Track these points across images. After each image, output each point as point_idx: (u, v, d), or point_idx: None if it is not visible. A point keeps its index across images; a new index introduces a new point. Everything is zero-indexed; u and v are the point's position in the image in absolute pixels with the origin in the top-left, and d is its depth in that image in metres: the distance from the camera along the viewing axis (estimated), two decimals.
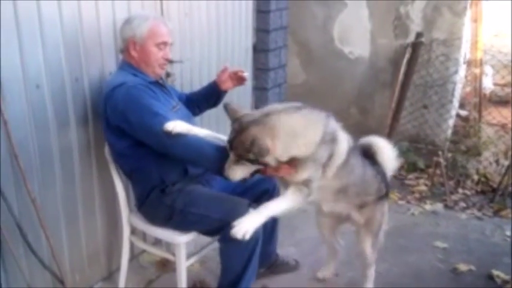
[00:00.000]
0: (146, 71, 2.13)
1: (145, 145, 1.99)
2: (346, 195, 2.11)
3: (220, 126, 3.35)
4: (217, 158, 1.85)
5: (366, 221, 2.26)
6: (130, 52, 2.11)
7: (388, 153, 2.26)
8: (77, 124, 2.20)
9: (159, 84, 2.18)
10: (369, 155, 2.22)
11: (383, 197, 2.28)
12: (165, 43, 2.13)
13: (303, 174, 1.84)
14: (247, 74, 2.46)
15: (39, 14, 1.94)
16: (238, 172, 1.79)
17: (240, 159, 1.75)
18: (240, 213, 1.87)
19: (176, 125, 1.86)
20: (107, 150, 2.20)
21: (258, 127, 1.72)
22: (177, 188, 2.09)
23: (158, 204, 2.10)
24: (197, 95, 2.52)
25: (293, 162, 1.81)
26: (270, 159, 1.74)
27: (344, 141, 1.94)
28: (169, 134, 1.84)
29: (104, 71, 2.28)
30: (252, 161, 1.75)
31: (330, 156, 1.88)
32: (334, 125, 1.92)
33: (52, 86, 2.04)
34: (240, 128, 1.75)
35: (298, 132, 1.77)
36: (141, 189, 2.16)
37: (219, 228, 1.97)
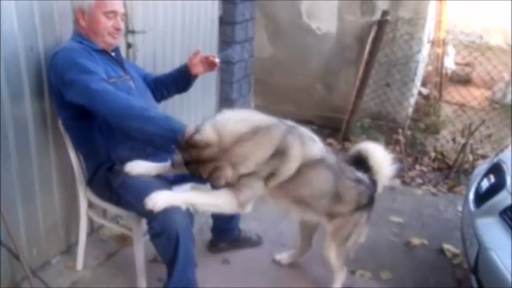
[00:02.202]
0: (95, 40, 2.09)
1: (88, 116, 1.96)
2: (309, 207, 2.05)
3: (183, 107, 3.32)
4: (148, 117, 1.79)
5: (334, 229, 2.15)
6: (80, 22, 2.08)
7: (380, 158, 2.18)
8: (32, 95, 2.11)
9: (106, 53, 2.13)
10: (361, 160, 2.17)
11: (362, 207, 2.15)
12: (114, 12, 2.08)
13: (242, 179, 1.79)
14: (218, 60, 2.42)
15: None
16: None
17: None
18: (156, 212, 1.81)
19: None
20: (60, 122, 2.15)
21: (217, 162, 1.71)
22: (123, 167, 2.04)
23: (103, 182, 2.09)
24: (166, 77, 2.47)
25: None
26: (223, 183, 1.74)
27: (294, 158, 1.85)
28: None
29: (62, 40, 2.19)
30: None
31: (272, 174, 1.83)
32: (289, 142, 1.83)
33: (4, 55, 1.95)
34: (198, 158, 1.72)
35: (251, 155, 1.75)
36: (90, 165, 2.16)
37: (144, 218, 1.97)
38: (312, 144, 1.94)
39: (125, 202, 2.04)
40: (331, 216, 2.12)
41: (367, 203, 2.16)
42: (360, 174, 2.15)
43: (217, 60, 2.41)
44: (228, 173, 1.72)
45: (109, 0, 2.07)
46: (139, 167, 2.00)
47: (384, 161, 2.18)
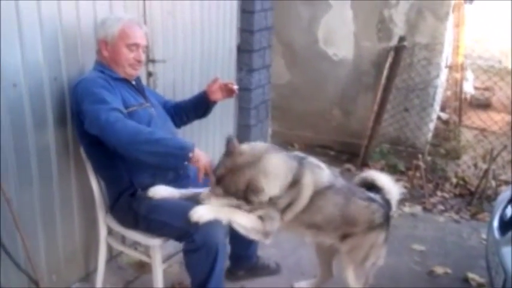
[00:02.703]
0: (117, 69, 2.15)
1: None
2: (321, 230, 2.08)
3: (202, 133, 3.36)
4: (156, 139, 1.86)
5: (349, 249, 2.15)
6: (102, 52, 2.14)
7: (385, 179, 2.25)
8: (55, 124, 2.17)
9: (127, 82, 2.19)
10: (368, 185, 2.23)
11: (377, 227, 2.15)
12: (136, 45, 2.14)
13: (260, 210, 1.90)
14: (237, 86, 2.47)
15: (18, 12, 1.92)
16: (216, 203, 1.87)
17: (228, 194, 1.83)
18: (198, 224, 1.88)
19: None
20: (82, 149, 2.19)
21: (252, 169, 1.80)
22: (147, 193, 2.08)
23: (127, 209, 2.10)
24: (186, 104, 2.53)
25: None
26: (260, 198, 1.81)
27: (308, 188, 1.94)
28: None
29: (84, 70, 2.26)
30: (240, 197, 1.82)
31: (289, 204, 1.92)
32: (303, 173, 1.94)
33: (30, 85, 2.02)
34: (233, 167, 1.82)
35: (280, 173, 1.87)
36: (112, 192, 2.18)
37: (179, 236, 1.99)
38: (320, 173, 2.01)
39: (158, 225, 2.04)
40: (343, 236, 2.13)
41: (382, 222, 2.16)
42: (372, 194, 2.18)
43: (235, 87, 2.45)
44: (263, 185, 1.78)
45: (132, 33, 2.12)
46: (163, 191, 2.05)
47: (390, 181, 2.26)
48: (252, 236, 1.94)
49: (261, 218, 1.91)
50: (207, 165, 1.91)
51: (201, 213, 1.85)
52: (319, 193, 1.97)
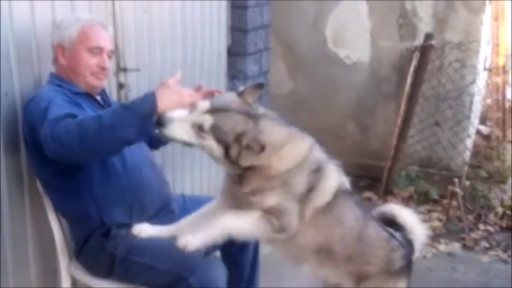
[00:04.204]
0: (76, 81, 2.18)
1: (75, 173, 2.04)
2: (331, 256, 2.04)
3: (186, 159, 3.38)
4: (106, 125, 1.80)
5: None
6: (59, 59, 2.18)
7: (409, 216, 2.25)
8: (6, 149, 2.19)
9: (90, 97, 2.22)
10: (387, 221, 2.23)
11: (396, 272, 2.13)
12: (100, 48, 2.18)
13: (269, 199, 1.85)
14: None
15: None
16: (181, 132, 1.78)
17: (202, 132, 1.77)
18: (194, 264, 1.91)
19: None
20: (38, 181, 2.21)
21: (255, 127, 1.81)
22: (124, 232, 2.09)
23: (98, 252, 2.11)
24: None
25: (259, 186, 1.85)
26: (244, 161, 1.80)
27: (332, 178, 1.97)
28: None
29: (41, 83, 2.30)
30: (218, 143, 1.79)
31: (309, 190, 1.90)
32: (322, 156, 1.97)
33: None
34: (236, 110, 1.81)
35: (280, 144, 1.87)
36: (78, 233, 2.18)
37: (169, 284, 2.00)
38: (342, 173, 2.04)
39: (140, 270, 2.05)
40: (358, 277, 2.10)
41: (403, 267, 2.15)
42: (391, 230, 2.18)
43: None
44: (265, 142, 1.77)
45: (94, 34, 2.16)
46: (149, 229, 2.05)
47: (415, 218, 2.25)
48: (262, 234, 1.90)
49: (268, 213, 1.86)
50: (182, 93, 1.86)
51: (188, 240, 1.80)
52: (342, 195, 1.99)
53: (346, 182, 2.03)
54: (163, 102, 1.78)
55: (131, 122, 1.79)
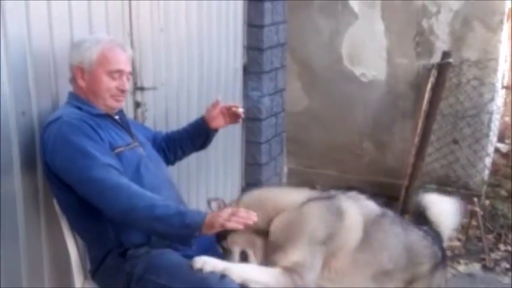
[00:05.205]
0: (96, 103, 2.18)
1: None
2: (387, 275, 2.08)
3: (201, 175, 3.37)
4: (156, 216, 1.91)
5: None
6: (78, 81, 2.18)
7: (442, 207, 2.32)
8: (23, 168, 2.19)
9: (109, 118, 2.22)
10: (418, 213, 2.31)
11: (439, 264, 2.24)
12: (120, 71, 2.18)
13: (291, 256, 1.88)
14: (243, 110, 2.52)
15: None
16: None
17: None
18: (209, 286, 1.88)
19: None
20: (55, 201, 2.20)
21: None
22: (143, 251, 2.09)
23: (116, 272, 2.09)
24: (180, 134, 2.57)
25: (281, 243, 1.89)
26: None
27: (354, 213, 1.97)
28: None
29: (59, 103, 2.30)
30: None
31: (331, 236, 1.92)
32: (341, 203, 2.00)
33: None
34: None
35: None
36: (95, 252, 2.17)
37: None
38: (365, 201, 2.10)
39: None
40: (412, 279, 2.15)
41: (442, 257, 2.25)
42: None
43: (241, 110, 2.48)
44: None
45: (114, 57, 2.17)
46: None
47: (446, 211, 2.32)
48: None
49: (289, 269, 1.87)
50: (231, 213, 1.89)
51: (206, 260, 1.86)
52: (373, 223, 2.01)
53: (369, 206, 2.06)
54: (209, 228, 1.89)
55: (175, 236, 1.96)
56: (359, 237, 1.95)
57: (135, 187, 1.99)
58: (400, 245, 2.11)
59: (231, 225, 1.83)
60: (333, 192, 2.12)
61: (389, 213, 2.19)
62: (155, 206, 1.92)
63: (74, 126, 2.04)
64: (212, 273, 1.93)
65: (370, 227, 1.98)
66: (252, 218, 1.82)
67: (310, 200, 2.00)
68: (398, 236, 2.12)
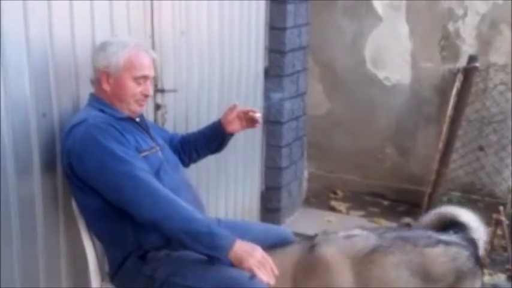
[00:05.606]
0: (119, 107, 2.18)
1: None
2: None
3: (220, 179, 3.36)
4: (187, 233, 1.92)
5: None
6: (102, 85, 2.17)
7: (468, 215, 2.31)
8: (42, 169, 2.20)
9: (132, 121, 2.23)
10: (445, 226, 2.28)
11: (468, 275, 2.16)
12: (145, 77, 2.18)
13: None
14: (260, 114, 2.51)
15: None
16: None
17: None
18: (239, 286, 1.90)
19: None
20: (74, 203, 2.21)
21: None
22: (163, 254, 2.09)
23: (135, 275, 2.09)
24: (196, 137, 2.56)
25: None
26: None
27: (336, 258, 2.03)
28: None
29: (79, 105, 2.31)
30: None
31: None
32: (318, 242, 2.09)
33: (13, 123, 2.06)
34: None
35: None
36: (114, 255, 2.17)
37: None
38: (350, 241, 2.07)
39: None
40: None
41: (471, 267, 2.15)
42: (446, 236, 2.19)
43: (258, 115, 2.47)
44: None
45: (140, 62, 2.16)
46: None
47: (475, 218, 2.30)
48: None
49: None
50: (262, 260, 1.94)
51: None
52: (365, 262, 1.99)
53: (358, 244, 2.09)
54: (236, 261, 1.93)
55: (203, 244, 1.93)
56: (350, 282, 1.97)
57: (171, 195, 1.99)
58: (405, 273, 2.05)
59: (259, 275, 1.88)
60: (320, 236, 2.14)
61: (385, 241, 2.11)
62: (192, 220, 1.94)
63: (103, 130, 2.04)
64: (241, 273, 1.95)
65: (362, 267, 1.98)
66: (275, 273, 1.91)
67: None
68: (398, 265, 2.06)
